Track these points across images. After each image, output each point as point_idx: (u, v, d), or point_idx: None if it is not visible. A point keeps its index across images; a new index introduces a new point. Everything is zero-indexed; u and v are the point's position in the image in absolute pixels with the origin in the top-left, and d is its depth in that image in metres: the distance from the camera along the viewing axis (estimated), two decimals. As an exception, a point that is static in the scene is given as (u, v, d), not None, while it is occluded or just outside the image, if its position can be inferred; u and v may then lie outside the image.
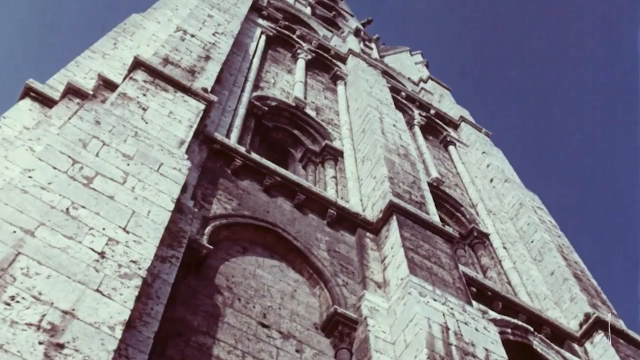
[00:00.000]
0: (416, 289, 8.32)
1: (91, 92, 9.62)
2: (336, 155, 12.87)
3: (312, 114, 14.08)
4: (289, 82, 15.09)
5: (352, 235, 10.19)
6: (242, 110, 11.87)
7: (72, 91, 9.53)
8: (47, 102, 9.54)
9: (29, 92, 9.54)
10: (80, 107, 8.85)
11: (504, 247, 13.27)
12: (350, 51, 18.15)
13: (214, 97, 9.74)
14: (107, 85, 9.56)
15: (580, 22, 52.07)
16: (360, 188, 11.77)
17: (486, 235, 13.61)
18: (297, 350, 7.74)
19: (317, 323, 8.35)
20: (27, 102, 9.39)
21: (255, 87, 13.55)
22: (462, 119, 18.58)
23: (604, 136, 48.70)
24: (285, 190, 10.10)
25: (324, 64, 17.34)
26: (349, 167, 12.44)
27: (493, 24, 59.00)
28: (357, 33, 21.26)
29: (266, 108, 12.88)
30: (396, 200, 10.29)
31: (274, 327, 7.85)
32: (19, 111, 9.15)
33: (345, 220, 10.29)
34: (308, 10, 22.64)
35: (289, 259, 9.09)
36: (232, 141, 10.45)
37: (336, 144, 13.24)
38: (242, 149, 10.07)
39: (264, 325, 7.76)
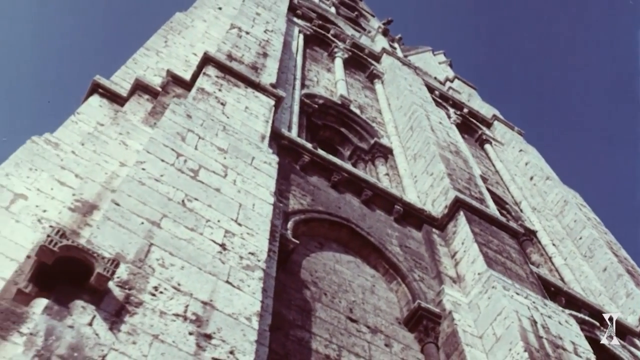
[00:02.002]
0: (500, 282, 8.30)
1: (159, 88, 9.58)
2: (385, 153, 12.84)
3: (357, 112, 14.04)
4: (330, 81, 15.06)
5: (418, 231, 10.16)
6: (296, 108, 11.83)
7: (141, 87, 9.47)
8: (115, 98, 9.49)
9: (97, 89, 9.49)
10: (156, 103, 8.81)
11: (553, 244, 13.26)
12: (384, 50, 18.13)
13: (282, 93, 9.72)
14: (176, 81, 9.51)
15: (602, 20, 52.00)
16: (416, 185, 11.74)
17: (533, 233, 13.58)
18: (386, 345, 7.71)
19: (399, 318, 8.31)
20: (96, 99, 9.34)
21: (302, 85, 13.52)
22: (495, 117, 18.58)
23: (622, 134, 48.69)
24: (352, 186, 10.06)
25: (360, 63, 17.31)
26: (401, 164, 12.41)
27: (502, 23, 59.09)
28: (385, 33, 21.24)
29: (316, 106, 12.84)
30: (461, 196, 10.27)
31: (362, 322, 7.81)
32: (90, 107, 9.09)
33: (411, 216, 10.26)
34: (333, 10, 22.61)
35: (364, 254, 9.05)
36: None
37: (384, 141, 13.21)
38: (309, 145, 10.03)
39: (352, 320, 7.73)
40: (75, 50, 41.16)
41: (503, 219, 10.49)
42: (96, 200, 6.16)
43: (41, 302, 4.51)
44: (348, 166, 10.27)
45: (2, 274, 5.37)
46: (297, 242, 7.81)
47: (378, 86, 16.35)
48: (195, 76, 9.49)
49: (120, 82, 10.16)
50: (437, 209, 10.54)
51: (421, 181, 11.67)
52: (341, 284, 8.23)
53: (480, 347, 7.76)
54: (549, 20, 56.50)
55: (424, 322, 8.09)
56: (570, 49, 54.40)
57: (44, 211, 6.20)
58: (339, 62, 16.17)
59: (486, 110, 19.42)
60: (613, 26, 51.46)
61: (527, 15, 57.88)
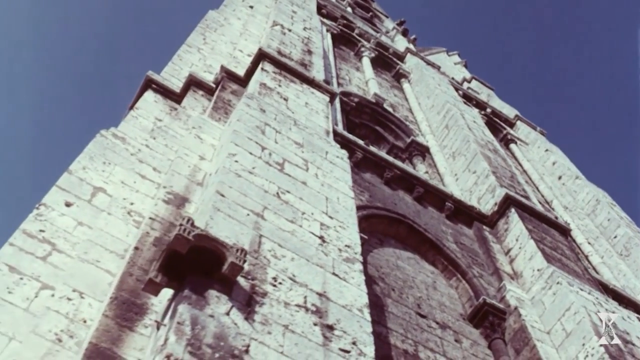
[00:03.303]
0: (564, 278, 8.30)
1: (212, 84, 9.54)
2: (422, 151, 12.83)
3: (390, 110, 14.02)
4: (360, 80, 15.04)
5: (469, 228, 10.15)
6: (338, 106, 11.78)
7: (194, 83, 9.44)
8: (167, 94, 9.45)
9: (150, 84, 9.44)
10: (216, 98, 8.76)
11: (588, 243, 13.29)
12: (408, 50, 18.13)
13: (336, 90, 9.69)
14: (230, 77, 9.46)
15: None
16: (457, 182, 11.73)
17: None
18: (456, 341, 7.68)
19: (462, 314, 8.30)
20: (151, 94, 9.28)
21: (337, 83, 13.48)
22: (518, 117, 18.61)
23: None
24: (404, 183, 10.04)
25: (385, 62, 17.30)
26: (440, 162, 12.41)
27: (503, 23, 59.23)
28: (404, 33, 21.27)
29: (353, 104, 12.81)
30: (512, 193, 10.27)
31: (430, 318, 7.79)
32: (146, 102, 9.04)
33: (461, 213, 10.24)
34: (349, 11, 22.59)
35: (421, 250, 9.03)
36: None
37: (420, 139, 13.20)
38: (361, 142, 10.00)
39: (421, 316, 7.70)
40: (107, 47, 41.27)
41: (552, 216, 10.50)
42: (186, 193, 6.12)
43: (166, 292, 4.46)
44: (399, 163, 10.26)
45: (105, 266, 5.33)
46: (366, 237, 7.77)
47: (405, 85, 16.34)
48: (249, 72, 9.44)
49: (170, 78, 10.14)
50: (485, 206, 10.53)
51: (463, 179, 11.67)
52: (406, 280, 8.21)
53: (549, 343, 7.75)
54: (550, 18, 56.70)
55: (489, 318, 8.07)
56: (574, 47, 54.60)
57: (132, 204, 6.16)
58: (366, 62, 16.15)
59: (507, 110, 19.46)
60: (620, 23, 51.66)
61: (528, 14, 58.09)
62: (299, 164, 6.64)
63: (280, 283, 4.73)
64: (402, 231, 9.03)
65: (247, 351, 3.93)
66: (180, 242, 4.13)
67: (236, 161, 5.92)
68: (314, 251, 5.36)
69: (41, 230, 5.69)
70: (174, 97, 9.45)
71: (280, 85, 8.78)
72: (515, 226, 9.72)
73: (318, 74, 10.24)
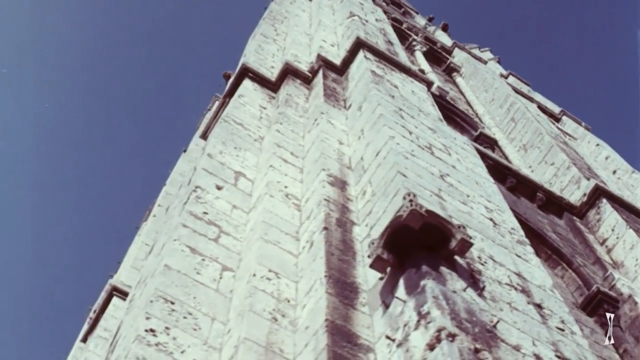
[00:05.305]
0: (677, 267, 8.30)
1: (308, 73, 9.48)
2: (491, 144, 12.78)
3: (452, 103, 13.99)
4: (418, 73, 14.99)
5: (559, 218, 10.13)
6: (413, 97, 11.75)
7: (291, 72, 9.38)
8: (263, 82, 9.40)
9: (246, 73, 9.38)
10: (324, 87, 8.70)
11: (652, 236, 13.29)
12: (456, 44, 18.13)
13: (431, 80, 9.64)
14: (327, 65, 9.41)
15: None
16: (533, 174, 11.71)
17: (630, 224, 13.61)
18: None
19: (574, 302, 8.27)
20: (249, 83, 9.23)
21: (402, 75, 13.43)
22: (563, 112, 18.61)
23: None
24: (497, 173, 9.94)
25: (435, 56, 17.27)
26: (512, 155, 12.38)
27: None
28: (444, 28, 21.28)
29: (422, 96, 12.76)
30: (601, 184, 10.27)
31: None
32: (247, 90, 8.99)
33: (551, 204, 10.23)
34: (384, 5, 22.56)
35: (523, 240, 9.00)
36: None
37: (487, 132, 13.17)
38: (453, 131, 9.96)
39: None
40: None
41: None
42: (342, 176, 6.08)
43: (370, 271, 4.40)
44: (490, 152, 10.22)
45: (287, 247, 5.28)
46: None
47: (459, 79, 16.31)
48: (346, 61, 9.39)
49: (258, 67, 10.07)
50: (570, 197, 10.52)
51: (539, 171, 11.65)
52: (519, 268, 8.17)
53: (669, 331, 7.75)
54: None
55: (604, 307, 8.05)
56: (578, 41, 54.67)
57: (286, 187, 6.11)
58: (420, 55, 16.14)
59: (550, 105, 19.46)
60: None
61: (531, 12, 58.15)
62: (442, 149, 6.60)
63: (485, 262, 4.69)
64: (505, 220, 9.00)
65: (495, 326, 3.88)
66: (415, 217, 4.08)
67: (398, 143, 5.88)
68: (492, 233, 5.33)
69: (205, 213, 5.64)
70: (269, 85, 9.40)
71: (385, 74, 8.74)
72: (609, 216, 9.71)
73: (406, 64, 10.20)
